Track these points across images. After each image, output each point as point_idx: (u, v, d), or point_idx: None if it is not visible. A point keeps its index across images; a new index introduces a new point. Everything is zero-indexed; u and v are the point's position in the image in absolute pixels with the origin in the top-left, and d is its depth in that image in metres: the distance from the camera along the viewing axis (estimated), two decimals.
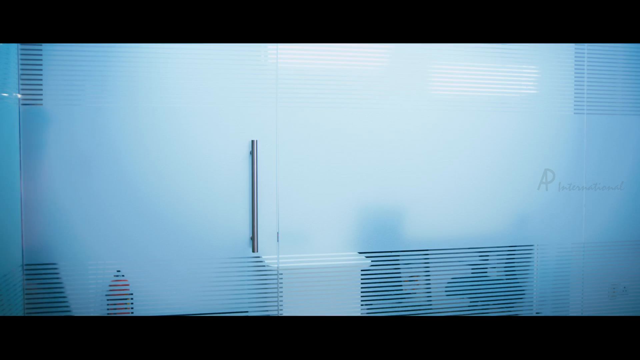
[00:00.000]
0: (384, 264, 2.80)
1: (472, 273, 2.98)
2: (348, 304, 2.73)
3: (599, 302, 3.13)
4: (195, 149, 2.55)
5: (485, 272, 3.02)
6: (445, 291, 2.96)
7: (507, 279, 3.01)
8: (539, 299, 3.07)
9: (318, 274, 2.69)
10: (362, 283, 2.75)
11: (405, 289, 2.91)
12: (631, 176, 3.17)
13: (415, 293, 2.93)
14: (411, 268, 2.89)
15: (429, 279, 2.95)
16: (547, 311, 3.09)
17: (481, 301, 2.98)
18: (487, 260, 3.02)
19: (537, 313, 3.07)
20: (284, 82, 2.63)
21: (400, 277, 2.86)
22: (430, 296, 2.97)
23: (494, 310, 3.00)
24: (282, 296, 2.62)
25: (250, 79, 2.60)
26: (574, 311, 3.11)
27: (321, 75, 2.68)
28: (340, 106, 2.71)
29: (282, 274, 2.61)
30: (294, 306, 2.65)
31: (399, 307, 2.84)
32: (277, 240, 2.61)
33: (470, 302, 2.99)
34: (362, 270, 2.75)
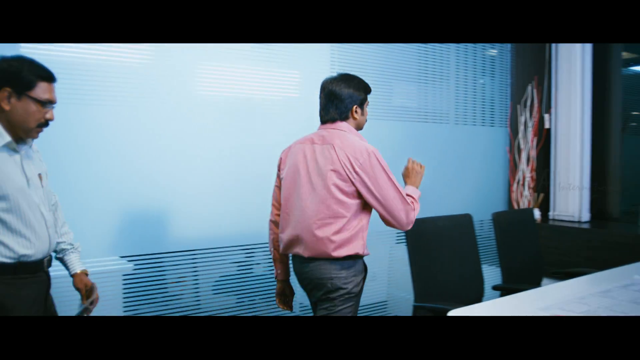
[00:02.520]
0: (148, 267, 2.72)
1: (238, 270, 3.04)
2: (110, 309, 2.59)
3: None
4: None
5: (251, 269, 3.11)
6: (213, 290, 2.98)
7: (271, 274, 3.13)
8: None
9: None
10: (124, 287, 2.64)
11: (172, 291, 2.86)
12: None
13: (183, 294, 2.90)
14: (178, 269, 2.86)
15: (197, 279, 2.95)
16: None
17: (248, 298, 3.06)
18: (253, 257, 3.11)
19: (300, 304, 3.23)
20: None
21: (165, 279, 2.80)
22: (198, 296, 2.96)
23: (261, 306, 3.10)
24: None
25: None
26: None
27: (80, 70, 2.50)
28: (102, 104, 2.56)
29: None
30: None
31: (165, 309, 2.79)
32: None
33: (237, 299, 3.05)
34: (124, 275, 2.64)
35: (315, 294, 2.18)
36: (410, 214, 2.15)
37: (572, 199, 4.09)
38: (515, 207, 4.27)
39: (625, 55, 4.49)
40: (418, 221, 2.64)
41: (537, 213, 4.17)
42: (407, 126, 3.70)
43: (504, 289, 2.85)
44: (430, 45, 3.81)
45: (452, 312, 2.05)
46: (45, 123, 1.85)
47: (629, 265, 3.02)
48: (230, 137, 2.95)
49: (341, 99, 2.21)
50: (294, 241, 2.17)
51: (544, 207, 4.35)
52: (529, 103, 4.33)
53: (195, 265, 2.93)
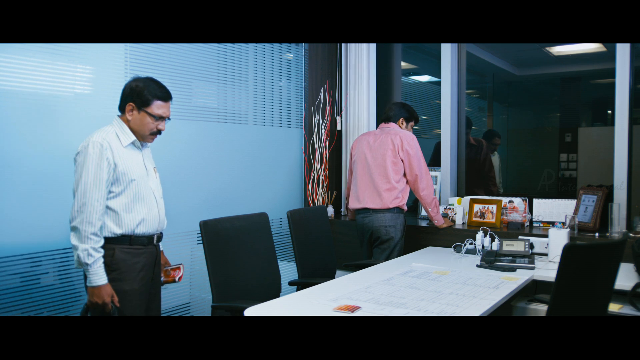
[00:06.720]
0: None
1: (22, 283, 2.79)
2: None
3: None
4: None
5: (38, 280, 2.87)
6: None
7: (61, 284, 2.93)
8: None
9: None
10: None
11: None
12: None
13: None
14: None
15: None
16: None
17: (34, 312, 2.82)
18: (40, 266, 2.87)
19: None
20: None
21: None
22: None
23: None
24: None
25: None
26: None
27: None
28: None
29: None
30: None
31: None
32: None
33: (21, 312, 2.80)
34: None
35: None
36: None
37: None
38: (311, 204, 4.49)
39: (404, 65, 4.97)
40: (214, 221, 2.66)
41: (330, 210, 4.43)
42: (206, 126, 3.69)
43: (300, 284, 2.99)
44: (229, 46, 3.84)
45: (249, 310, 2.10)
46: (158, 132, 2.45)
47: (408, 255, 3.36)
48: (14, 132, 2.69)
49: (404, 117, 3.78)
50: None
51: (337, 204, 4.64)
52: (322, 105, 4.58)
53: None
